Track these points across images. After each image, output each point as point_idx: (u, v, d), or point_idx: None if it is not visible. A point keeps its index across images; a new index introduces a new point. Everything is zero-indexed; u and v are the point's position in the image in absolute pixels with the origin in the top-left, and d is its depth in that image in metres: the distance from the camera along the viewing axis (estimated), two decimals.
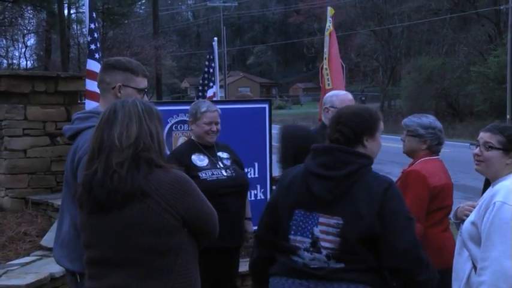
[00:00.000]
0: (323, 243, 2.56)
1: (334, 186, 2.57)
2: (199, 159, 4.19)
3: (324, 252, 2.56)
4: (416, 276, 2.54)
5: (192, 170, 4.06)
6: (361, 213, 2.52)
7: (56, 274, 4.97)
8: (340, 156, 2.62)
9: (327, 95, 4.56)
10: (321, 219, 2.58)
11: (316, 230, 2.58)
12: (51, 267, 5.04)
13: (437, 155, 3.89)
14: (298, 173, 2.74)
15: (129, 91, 2.89)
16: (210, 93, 9.68)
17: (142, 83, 2.96)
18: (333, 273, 2.54)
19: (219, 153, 4.32)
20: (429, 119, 3.86)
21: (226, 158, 4.32)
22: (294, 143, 3.59)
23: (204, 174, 4.10)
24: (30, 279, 4.80)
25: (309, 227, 2.61)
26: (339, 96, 4.44)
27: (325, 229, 2.57)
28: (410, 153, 3.89)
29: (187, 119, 4.40)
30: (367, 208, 2.52)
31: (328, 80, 7.03)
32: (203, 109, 4.22)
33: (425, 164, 3.77)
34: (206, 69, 9.82)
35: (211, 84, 9.77)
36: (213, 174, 4.13)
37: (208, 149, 4.26)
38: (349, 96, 4.51)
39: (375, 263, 2.55)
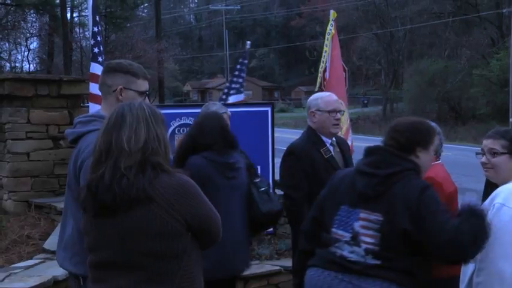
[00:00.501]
0: (363, 238, 2.67)
1: (377, 184, 2.70)
2: None
3: (363, 246, 2.66)
4: (466, 259, 2.65)
5: None
6: (399, 211, 2.62)
7: (59, 277, 4.98)
8: (386, 156, 2.77)
9: (311, 98, 4.43)
10: (362, 215, 2.71)
11: (357, 225, 2.70)
12: (54, 270, 5.05)
13: (439, 158, 3.91)
14: (349, 173, 2.91)
15: (130, 94, 2.89)
16: (233, 99, 8.76)
17: (144, 85, 2.97)
18: (368, 268, 2.63)
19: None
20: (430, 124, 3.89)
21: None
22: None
23: None
24: (33, 282, 4.81)
25: (350, 222, 2.73)
26: (323, 98, 4.32)
27: (366, 224, 2.68)
28: None
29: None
30: (405, 207, 2.62)
31: (319, 84, 7.02)
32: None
33: (436, 170, 3.78)
34: (237, 73, 8.92)
35: (241, 89, 8.86)
36: None
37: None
38: (334, 97, 4.40)
39: (411, 264, 2.64)
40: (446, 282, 3.29)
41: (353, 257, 2.67)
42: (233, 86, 8.65)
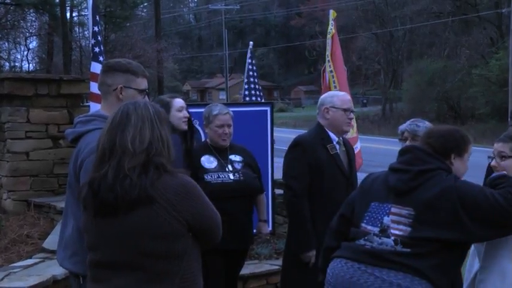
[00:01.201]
0: (393, 231, 2.68)
1: (410, 179, 2.73)
2: (208, 161, 4.24)
3: (393, 237, 2.67)
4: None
5: (199, 171, 4.12)
6: (433, 205, 2.64)
7: (58, 276, 4.97)
8: (420, 155, 2.80)
9: (326, 95, 4.48)
10: (393, 209, 2.73)
11: (387, 219, 2.73)
12: (53, 269, 5.05)
13: None
14: (381, 174, 2.94)
15: (130, 92, 2.90)
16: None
17: (143, 83, 2.97)
18: (395, 255, 2.64)
19: (231, 156, 4.34)
20: (425, 124, 4.02)
21: (238, 162, 4.34)
22: None
23: (209, 177, 4.14)
24: (32, 281, 4.80)
25: (379, 217, 2.76)
26: (339, 96, 4.38)
27: (397, 219, 2.70)
28: None
29: (203, 123, 4.45)
30: (440, 201, 2.63)
31: (334, 83, 7.02)
32: (215, 112, 4.27)
33: None
34: (251, 73, 8.90)
35: (258, 92, 8.87)
36: (218, 177, 4.17)
37: (220, 152, 4.30)
38: (348, 96, 4.48)
39: (442, 259, 2.64)
40: None
41: (382, 247, 2.69)
42: (253, 92, 8.75)
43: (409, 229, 2.65)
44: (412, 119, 4.20)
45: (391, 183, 2.79)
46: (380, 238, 2.72)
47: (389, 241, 2.68)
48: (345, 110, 4.25)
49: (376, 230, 2.75)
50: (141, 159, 2.26)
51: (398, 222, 2.69)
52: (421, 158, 2.79)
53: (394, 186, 2.77)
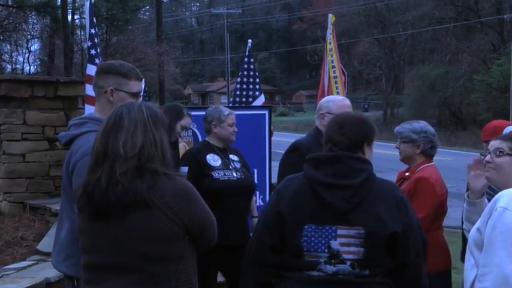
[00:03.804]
0: (345, 256, 2.48)
1: (352, 195, 2.49)
2: (214, 159, 4.42)
3: (348, 262, 2.48)
4: (422, 271, 2.60)
5: (206, 168, 4.31)
6: (382, 219, 2.48)
7: (51, 279, 4.97)
8: (353, 163, 2.56)
9: (323, 100, 4.40)
10: (340, 232, 2.48)
11: (335, 244, 2.48)
12: (47, 272, 5.04)
13: (432, 160, 3.95)
14: (301, 184, 2.59)
15: (121, 95, 2.87)
16: (258, 102, 8.40)
17: (136, 86, 2.94)
18: (360, 278, 2.48)
19: (231, 156, 4.54)
20: (420, 124, 3.93)
21: (237, 161, 4.52)
22: None
23: (216, 174, 4.32)
24: (25, 284, 4.80)
25: (324, 241, 2.49)
26: (336, 101, 4.26)
27: (346, 241, 2.48)
28: (406, 159, 3.95)
29: (206, 124, 4.58)
30: (387, 213, 2.50)
31: (337, 89, 6.98)
32: (226, 112, 4.51)
33: (430, 171, 3.84)
34: (246, 73, 8.51)
35: (257, 93, 8.49)
36: (224, 174, 4.33)
37: (222, 151, 4.50)
38: (347, 101, 4.35)
39: (391, 264, 2.54)
40: (435, 277, 3.33)
41: (340, 274, 2.48)
42: (251, 86, 8.35)
43: (362, 249, 2.47)
44: (405, 122, 4.14)
45: (332, 203, 2.49)
46: (334, 266, 2.48)
47: (346, 267, 2.48)
48: None
49: (324, 256, 2.49)
50: (132, 164, 2.24)
51: (348, 245, 2.48)
52: (354, 167, 2.55)
53: (336, 206, 2.49)
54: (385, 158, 13.04)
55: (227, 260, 4.27)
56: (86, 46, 9.93)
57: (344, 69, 7.68)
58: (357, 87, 54.34)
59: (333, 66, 7.12)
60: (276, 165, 4.59)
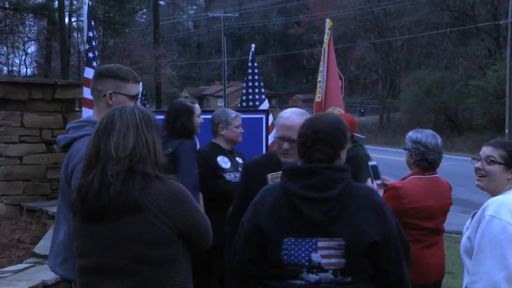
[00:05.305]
0: (327, 267, 2.46)
1: (330, 208, 2.44)
2: (224, 162, 4.54)
3: (330, 271, 2.46)
4: (403, 275, 2.58)
5: (218, 170, 4.44)
6: (362, 229, 2.45)
7: (48, 282, 4.95)
8: (330, 175, 2.48)
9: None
10: (320, 244, 2.45)
11: (316, 256, 2.46)
12: (43, 274, 5.02)
13: (432, 172, 3.83)
14: (279, 196, 2.53)
15: (120, 98, 2.89)
16: (264, 106, 8.45)
17: (134, 89, 2.96)
18: (342, 285, 2.47)
19: (237, 158, 4.67)
20: (418, 134, 3.82)
21: (241, 164, 4.61)
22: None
23: (228, 176, 4.45)
24: (21, 286, 4.78)
25: (304, 255, 2.47)
26: (280, 120, 3.39)
27: (327, 253, 2.45)
28: (408, 166, 3.89)
29: (214, 126, 4.66)
30: (367, 221, 2.46)
31: (319, 93, 6.97)
32: (233, 115, 4.68)
33: (411, 182, 3.75)
34: (251, 77, 8.63)
35: (263, 97, 8.69)
36: (235, 176, 4.42)
37: (230, 153, 4.62)
38: (291, 119, 3.29)
39: (373, 271, 2.53)
40: None
41: (322, 283, 2.47)
42: (250, 97, 8.52)
43: (343, 260, 2.45)
44: (417, 129, 4.05)
45: (310, 216, 2.44)
46: (316, 274, 2.46)
47: (328, 275, 2.46)
48: (280, 138, 3.35)
49: (305, 266, 2.46)
50: (124, 166, 2.24)
51: (329, 256, 2.45)
52: (331, 178, 2.48)
53: (315, 220, 2.44)
54: (381, 162, 13.05)
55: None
56: (83, 49, 9.92)
57: (341, 74, 7.68)
58: (353, 91, 54.46)
59: (320, 71, 7.12)
60: None
